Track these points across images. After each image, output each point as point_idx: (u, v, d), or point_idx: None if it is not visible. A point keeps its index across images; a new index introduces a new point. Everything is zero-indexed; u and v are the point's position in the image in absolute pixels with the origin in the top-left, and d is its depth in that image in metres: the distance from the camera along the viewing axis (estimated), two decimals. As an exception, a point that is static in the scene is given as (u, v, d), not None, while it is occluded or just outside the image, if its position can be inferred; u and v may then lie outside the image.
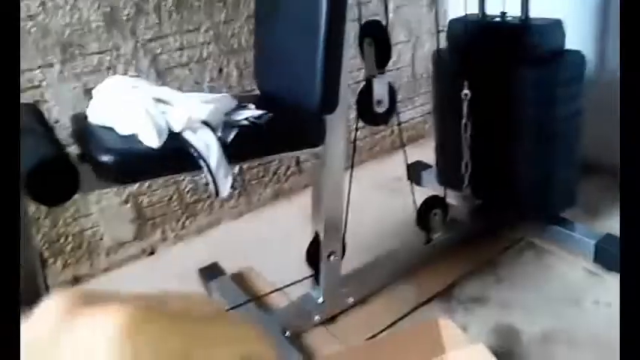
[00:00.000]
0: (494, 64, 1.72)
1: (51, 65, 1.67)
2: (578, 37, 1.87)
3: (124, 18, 1.79)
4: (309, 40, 1.28)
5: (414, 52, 2.54)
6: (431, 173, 2.09)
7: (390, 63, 2.49)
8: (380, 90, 1.52)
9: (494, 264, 1.72)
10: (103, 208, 1.85)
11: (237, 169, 2.07)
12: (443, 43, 1.88)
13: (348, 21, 1.31)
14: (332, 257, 1.50)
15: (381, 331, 1.50)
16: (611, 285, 1.59)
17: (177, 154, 1.09)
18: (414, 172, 2.15)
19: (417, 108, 2.62)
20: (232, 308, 1.55)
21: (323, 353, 1.45)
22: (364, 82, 1.54)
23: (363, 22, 1.56)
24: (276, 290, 1.62)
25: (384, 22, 1.63)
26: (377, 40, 1.52)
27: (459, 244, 1.79)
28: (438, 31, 1.72)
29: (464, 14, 1.80)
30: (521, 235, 1.82)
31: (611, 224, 1.79)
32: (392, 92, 1.58)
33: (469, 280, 1.66)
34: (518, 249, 1.77)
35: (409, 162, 2.21)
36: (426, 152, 2.21)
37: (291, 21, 1.36)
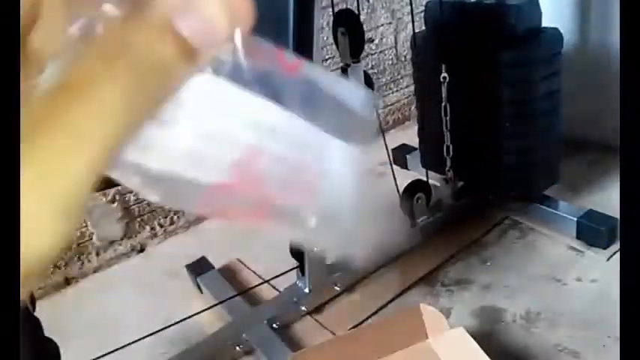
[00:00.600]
0: (471, 46, 1.72)
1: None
2: (555, 14, 1.86)
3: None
4: (279, 32, 1.28)
5: (397, 35, 2.53)
6: (416, 156, 2.09)
7: (373, 46, 2.51)
8: (355, 79, 1.53)
9: (478, 245, 1.73)
10: (90, 208, 1.86)
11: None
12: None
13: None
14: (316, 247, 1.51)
15: (367, 318, 1.52)
16: (593, 261, 1.60)
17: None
18: (400, 155, 2.16)
19: (402, 90, 2.61)
20: (220, 303, 1.57)
21: (311, 343, 1.47)
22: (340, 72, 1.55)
23: (335, 12, 1.56)
24: (263, 283, 1.64)
25: (360, 8, 1.64)
26: (350, 29, 1.52)
27: (444, 227, 1.80)
28: (413, 16, 1.72)
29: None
30: (504, 215, 1.83)
31: (594, 199, 1.80)
32: (368, 80, 1.58)
33: (454, 263, 1.67)
34: (502, 229, 1.79)
35: (396, 145, 2.23)
36: (411, 135, 2.21)
37: (260, 17, 1.36)
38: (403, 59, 2.57)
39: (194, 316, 1.54)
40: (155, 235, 2.01)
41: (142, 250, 1.98)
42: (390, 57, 2.54)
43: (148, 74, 0.18)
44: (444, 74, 1.71)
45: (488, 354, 1.16)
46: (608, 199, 1.80)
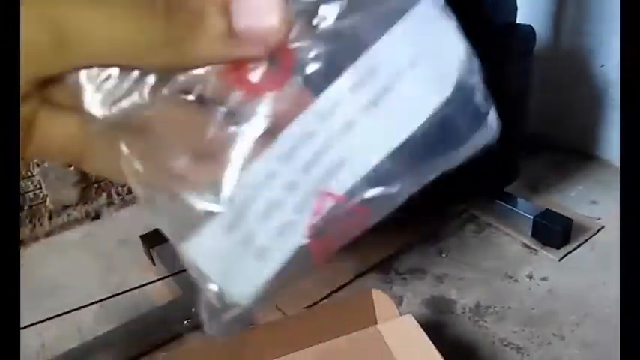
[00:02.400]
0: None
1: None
2: (529, 12, 1.87)
3: None
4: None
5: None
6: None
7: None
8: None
9: (435, 237, 1.74)
10: (46, 171, 1.81)
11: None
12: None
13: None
14: (272, 227, 1.50)
15: (320, 300, 1.52)
16: (546, 260, 1.63)
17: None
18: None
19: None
20: (172, 275, 1.55)
21: (262, 322, 1.46)
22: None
23: None
24: (218, 258, 1.62)
25: None
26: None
27: (402, 218, 1.80)
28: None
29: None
30: (463, 209, 1.85)
31: (552, 199, 1.82)
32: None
33: (410, 253, 1.68)
34: (461, 222, 1.80)
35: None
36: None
37: None
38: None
39: (144, 287, 1.52)
40: (112, 203, 1.96)
41: (96, 217, 1.93)
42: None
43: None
44: (416, 63, 1.70)
45: (435, 343, 1.17)
46: (565, 200, 1.83)
